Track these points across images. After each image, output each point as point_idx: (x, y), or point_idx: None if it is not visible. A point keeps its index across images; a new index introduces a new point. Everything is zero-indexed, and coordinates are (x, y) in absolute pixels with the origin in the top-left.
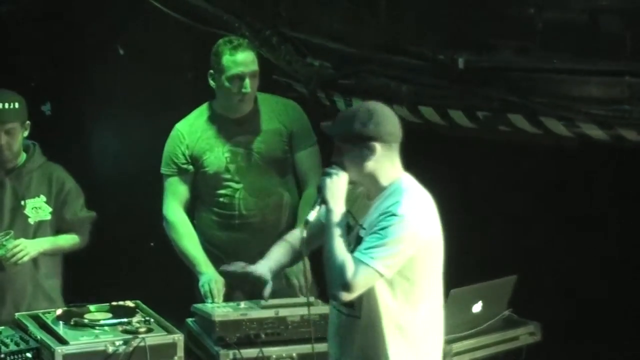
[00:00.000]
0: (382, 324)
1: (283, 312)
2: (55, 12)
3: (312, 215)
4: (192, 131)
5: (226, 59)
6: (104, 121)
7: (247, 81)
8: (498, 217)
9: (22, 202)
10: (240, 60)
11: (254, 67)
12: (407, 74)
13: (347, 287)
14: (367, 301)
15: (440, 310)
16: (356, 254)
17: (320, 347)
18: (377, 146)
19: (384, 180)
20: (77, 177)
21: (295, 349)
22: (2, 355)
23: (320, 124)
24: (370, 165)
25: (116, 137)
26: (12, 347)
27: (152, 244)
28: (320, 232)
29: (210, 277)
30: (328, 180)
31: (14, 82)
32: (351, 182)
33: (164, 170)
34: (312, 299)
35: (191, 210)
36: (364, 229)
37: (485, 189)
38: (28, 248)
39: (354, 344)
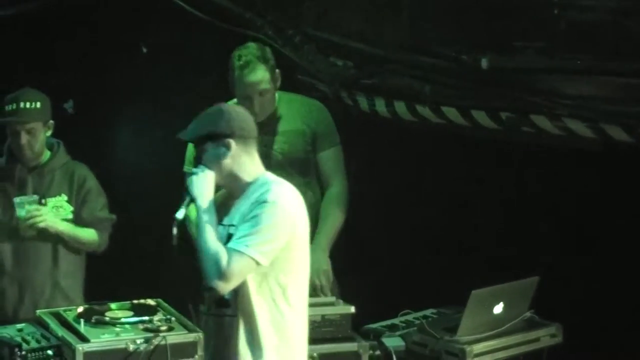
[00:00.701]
0: (256, 320)
1: None
2: (79, 10)
3: (181, 213)
4: None
5: (236, 75)
6: (126, 119)
7: (256, 102)
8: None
9: (43, 201)
10: (248, 82)
11: (263, 86)
12: (430, 74)
13: (222, 277)
14: (241, 297)
15: (306, 305)
16: (230, 243)
17: (343, 346)
18: (232, 142)
19: (247, 177)
20: (99, 175)
21: (316, 349)
22: (24, 352)
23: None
24: (229, 162)
25: (139, 135)
26: (34, 344)
27: (174, 242)
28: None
29: None
30: (194, 178)
31: (37, 79)
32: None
33: (186, 168)
34: (333, 298)
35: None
36: (233, 226)
37: (531, 190)
38: (46, 216)
39: (231, 343)
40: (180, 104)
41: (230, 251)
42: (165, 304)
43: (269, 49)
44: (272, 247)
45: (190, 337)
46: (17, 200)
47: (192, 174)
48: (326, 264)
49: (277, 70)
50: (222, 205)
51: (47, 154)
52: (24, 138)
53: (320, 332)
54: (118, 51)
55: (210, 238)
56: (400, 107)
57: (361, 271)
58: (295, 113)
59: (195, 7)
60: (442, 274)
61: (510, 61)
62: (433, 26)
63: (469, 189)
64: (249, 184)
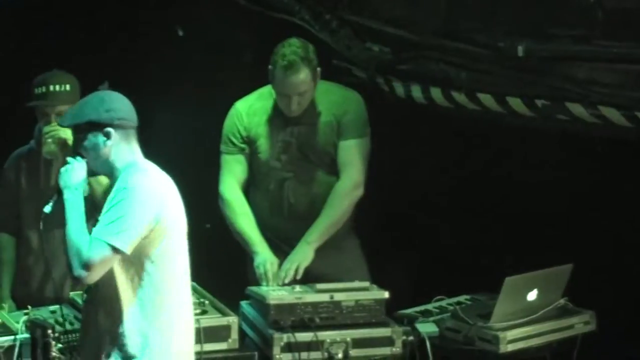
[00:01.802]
0: (121, 306)
1: (338, 297)
2: None
3: (48, 207)
4: (251, 113)
5: (277, 74)
6: (160, 102)
7: (294, 100)
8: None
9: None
10: (290, 82)
11: (303, 88)
12: (466, 61)
13: (85, 266)
14: (106, 286)
15: (185, 293)
16: (92, 233)
17: (376, 331)
18: (112, 131)
19: (120, 164)
20: None
21: (349, 334)
22: (57, 334)
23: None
24: (106, 151)
25: (172, 118)
26: (67, 327)
27: (208, 225)
28: None
29: (265, 258)
30: (62, 170)
31: (71, 61)
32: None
33: (222, 147)
34: (367, 283)
35: (246, 191)
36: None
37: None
38: (67, 132)
39: (93, 329)
40: (215, 87)
41: (91, 240)
42: (199, 287)
43: (312, 47)
44: (133, 234)
45: (223, 320)
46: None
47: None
48: (304, 259)
49: (318, 69)
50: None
51: None
52: (54, 121)
53: (354, 317)
54: (153, 33)
55: (74, 228)
56: (436, 93)
57: (396, 256)
58: (329, 105)
59: None
60: (475, 260)
61: (547, 48)
62: (470, 13)
63: (504, 176)
64: (119, 171)
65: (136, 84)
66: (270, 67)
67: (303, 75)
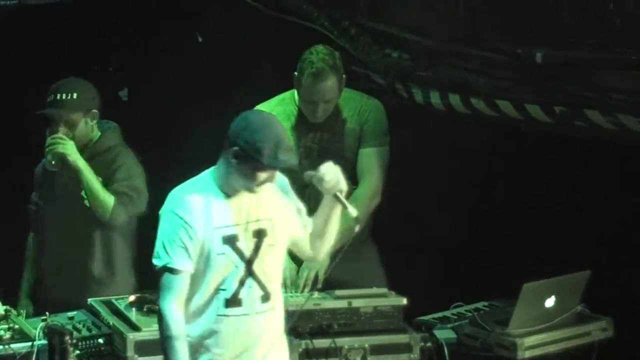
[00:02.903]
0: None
1: (356, 303)
2: None
3: None
4: None
5: (306, 81)
6: (180, 107)
7: (320, 108)
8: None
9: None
10: (317, 90)
11: (330, 95)
12: (485, 67)
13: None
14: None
15: None
16: None
17: (394, 338)
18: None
19: None
20: (151, 163)
21: (367, 340)
22: (75, 341)
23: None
24: None
25: (191, 123)
26: (85, 333)
27: None
28: None
29: (284, 265)
30: None
31: (92, 66)
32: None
33: None
34: (385, 290)
35: None
36: None
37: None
38: (67, 146)
39: (265, 336)
40: (234, 92)
41: None
42: None
43: (339, 54)
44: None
45: None
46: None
47: None
48: (322, 265)
49: (344, 77)
50: None
51: (97, 135)
52: (62, 130)
53: (372, 323)
54: (174, 40)
55: None
56: (454, 99)
57: (414, 263)
58: (352, 112)
59: None
60: (494, 267)
61: (565, 55)
62: (488, 20)
63: (523, 183)
64: None
65: (156, 90)
66: (296, 73)
67: (331, 82)
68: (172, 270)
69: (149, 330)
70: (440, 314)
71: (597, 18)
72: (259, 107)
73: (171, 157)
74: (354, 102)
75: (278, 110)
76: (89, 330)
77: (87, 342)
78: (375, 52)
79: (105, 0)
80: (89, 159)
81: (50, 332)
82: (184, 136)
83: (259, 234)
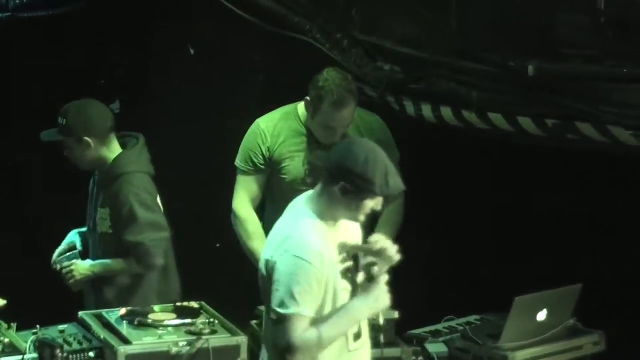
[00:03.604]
0: None
1: None
2: (127, 11)
3: None
4: (276, 134)
5: (326, 109)
6: (173, 121)
7: (339, 132)
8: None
9: (98, 210)
10: (340, 117)
11: (350, 120)
12: (477, 80)
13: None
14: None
15: None
16: None
17: (386, 352)
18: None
19: None
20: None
21: None
22: (65, 354)
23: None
24: None
25: (184, 137)
26: (75, 346)
27: (218, 245)
28: None
29: None
30: None
31: (85, 80)
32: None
33: (240, 164)
34: None
35: (260, 208)
36: None
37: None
38: (75, 272)
39: None
40: (226, 105)
41: None
42: (209, 307)
43: (350, 76)
44: None
45: (233, 340)
46: (55, 257)
47: None
48: None
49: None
50: None
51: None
52: (66, 151)
53: None
54: (166, 53)
55: None
56: (446, 112)
57: (406, 277)
58: (355, 130)
59: (242, 9)
60: (485, 281)
61: (557, 68)
62: (481, 32)
63: (510, 198)
64: None
65: (148, 103)
66: (310, 99)
67: (351, 109)
68: (301, 318)
69: (140, 344)
70: (431, 328)
71: (589, 31)
72: (261, 120)
73: (165, 170)
74: (356, 119)
75: (283, 125)
76: (79, 343)
77: (78, 355)
78: (368, 64)
79: (98, 14)
80: (100, 187)
81: (41, 346)
82: (178, 149)
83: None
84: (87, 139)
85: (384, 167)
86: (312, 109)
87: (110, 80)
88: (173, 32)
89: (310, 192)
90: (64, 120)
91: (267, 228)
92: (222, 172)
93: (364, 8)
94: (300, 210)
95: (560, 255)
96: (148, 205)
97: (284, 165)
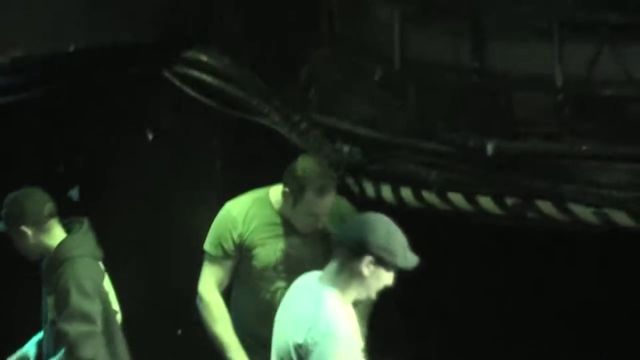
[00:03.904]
0: None
1: None
2: (83, 97)
3: None
4: (247, 220)
5: (310, 197)
6: (132, 206)
7: (322, 218)
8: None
9: (47, 298)
10: (324, 204)
11: (331, 205)
12: (436, 160)
13: None
14: None
15: None
16: None
17: None
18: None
19: None
20: (105, 263)
21: None
22: None
23: None
24: None
25: (144, 223)
26: None
27: (179, 331)
28: None
29: None
30: None
31: (42, 167)
32: None
33: (209, 248)
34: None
35: (228, 290)
36: None
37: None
38: None
39: None
40: (187, 189)
41: None
42: None
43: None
44: None
45: None
46: None
47: None
48: None
49: None
50: None
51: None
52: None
53: None
54: (124, 137)
55: None
56: (406, 193)
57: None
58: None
59: (199, 92)
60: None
61: (516, 147)
62: (439, 112)
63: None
64: None
65: (106, 189)
66: (289, 189)
67: (333, 194)
68: None
69: None
70: None
71: (547, 109)
72: (231, 206)
73: (125, 255)
74: None
75: (254, 211)
76: None
77: None
78: (326, 146)
79: (54, 100)
80: (46, 274)
81: None
82: (137, 235)
83: None
84: (23, 228)
85: (403, 240)
86: (292, 198)
87: (69, 167)
88: (131, 116)
89: (320, 272)
90: (4, 211)
91: (233, 313)
92: (181, 257)
93: (321, 89)
94: (320, 290)
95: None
96: (86, 292)
97: (254, 252)
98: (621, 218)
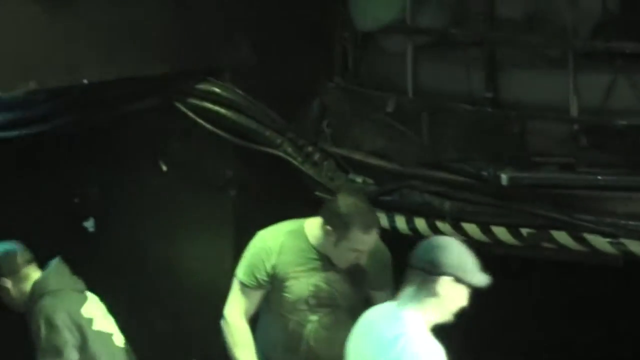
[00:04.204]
0: None
1: None
2: (97, 128)
3: None
4: (282, 251)
5: (356, 234)
6: (147, 237)
7: (366, 254)
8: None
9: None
10: (368, 239)
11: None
12: (450, 190)
13: None
14: None
15: None
16: None
17: None
18: None
19: None
20: (115, 294)
21: None
22: None
23: None
24: None
25: (159, 254)
26: None
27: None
28: None
29: None
30: None
31: (57, 198)
32: None
33: (241, 277)
34: None
35: (256, 316)
36: None
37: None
38: None
39: None
40: (200, 221)
41: None
42: None
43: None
44: None
45: None
46: None
47: None
48: None
49: None
50: None
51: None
52: None
53: None
54: (138, 169)
55: None
56: (420, 223)
57: None
58: None
59: (213, 124)
60: None
61: (531, 177)
62: (452, 143)
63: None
64: None
65: (123, 220)
66: (332, 227)
67: (377, 229)
68: None
69: None
70: None
71: (562, 138)
72: (267, 236)
73: (139, 285)
74: None
75: (289, 243)
76: None
77: None
78: (339, 177)
79: (68, 132)
80: (28, 317)
81: None
82: (152, 266)
83: None
84: (2, 281)
85: (474, 260)
86: (335, 236)
87: (84, 199)
88: (145, 148)
89: (393, 301)
90: None
91: (259, 340)
92: (197, 289)
93: (334, 120)
94: (400, 313)
95: None
96: (55, 326)
97: (287, 284)
98: (638, 248)
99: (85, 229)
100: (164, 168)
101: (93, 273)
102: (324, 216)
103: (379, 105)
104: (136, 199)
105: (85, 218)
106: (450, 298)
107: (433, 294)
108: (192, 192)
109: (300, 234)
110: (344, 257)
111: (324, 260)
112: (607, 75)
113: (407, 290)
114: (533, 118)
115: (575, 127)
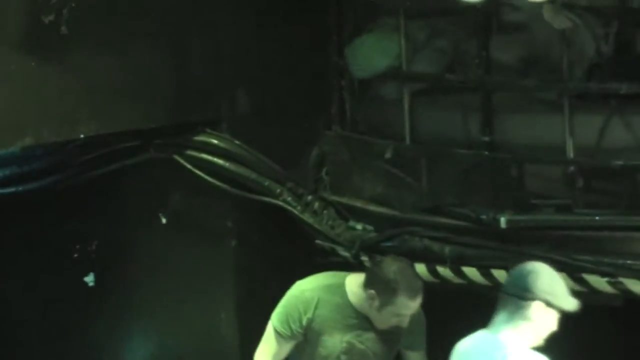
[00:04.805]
0: None
1: None
2: (97, 183)
3: None
4: (319, 305)
5: (402, 300)
6: (147, 290)
7: (408, 318)
8: None
9: None
10: (414, 304)
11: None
12: (449, 235)
13: None
14: None
15: None
16: None
17: None
18: None
19: None
20: (116, 349)
21: None
22: None
23: None
24: None
25: (160, 306)
26: None
27: None
28: None
29: None
30: None
31: (57, 253)
32: None
33: (276, 324)
34: None
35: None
36: None
37: None
38: None
39: None
40: (200, 273)
41: None
42: None
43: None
44: None
45: None
46: None
47: None
48: None
49: None
50: None
51: None
52: None
53: None
54: (138, 222)
55: None
56: (420, 269)
57: None
58: None
59: (212, 175)
60: None
61: (529, 219)
62: (450, 188)
63: None
64: None
65: (124, 274)
66: (377, 292)
67: (422, 295)
68: None
69: None
70: None
71: (559, 180)
72: (305, 287)
73: (142, 340)
74: None
75: (327, 298)
76: None
77: None
78: (339, 225)
79: (68, 187)
80: None
81: None
82: (153, 319)
83: None
84: None
85: (564, 284)
86: (380, 301)
87: (83, 254)
88: (144, 201)
89: (484, 331)
90: None
91: None
92: (195, 338)
93: (332, 168)
94: (497, 337)
95: None
96: None
97: (322, 338)
98: (637, 287)
99: (85, 283)
100: (164, 220)
101: (93, 328)
102: (368, 280)
103: (378, 152)
104: (136, 252)
105: (86, 273)
106: (542, 322)
107: (526, 318)
108: (192, 243)
109: (340, 289)
110: (387, 321)
111: (361, 319)
112: (602, 116)
113: (500, 316)
114: (530, 161)
115: (572, 168)
